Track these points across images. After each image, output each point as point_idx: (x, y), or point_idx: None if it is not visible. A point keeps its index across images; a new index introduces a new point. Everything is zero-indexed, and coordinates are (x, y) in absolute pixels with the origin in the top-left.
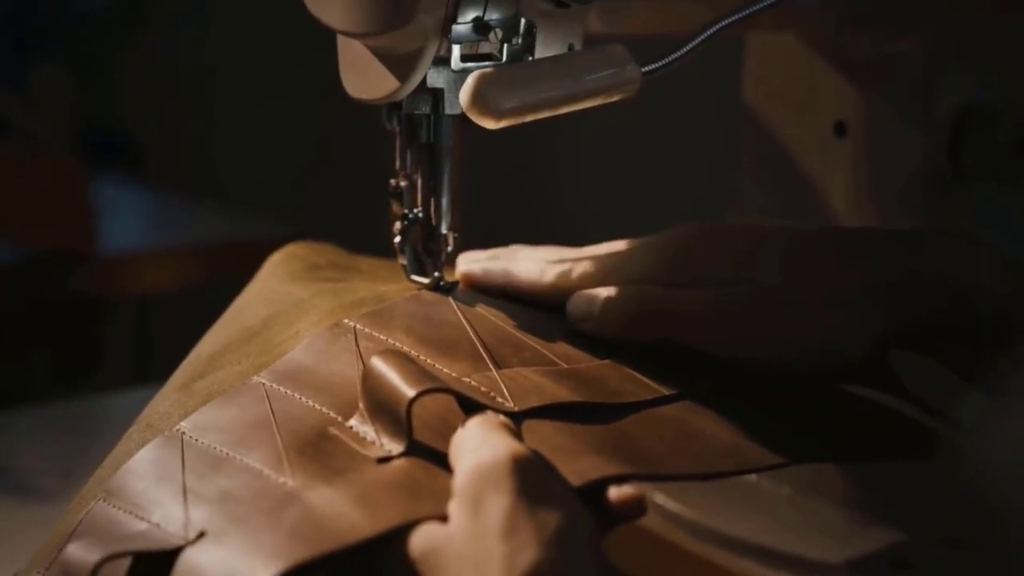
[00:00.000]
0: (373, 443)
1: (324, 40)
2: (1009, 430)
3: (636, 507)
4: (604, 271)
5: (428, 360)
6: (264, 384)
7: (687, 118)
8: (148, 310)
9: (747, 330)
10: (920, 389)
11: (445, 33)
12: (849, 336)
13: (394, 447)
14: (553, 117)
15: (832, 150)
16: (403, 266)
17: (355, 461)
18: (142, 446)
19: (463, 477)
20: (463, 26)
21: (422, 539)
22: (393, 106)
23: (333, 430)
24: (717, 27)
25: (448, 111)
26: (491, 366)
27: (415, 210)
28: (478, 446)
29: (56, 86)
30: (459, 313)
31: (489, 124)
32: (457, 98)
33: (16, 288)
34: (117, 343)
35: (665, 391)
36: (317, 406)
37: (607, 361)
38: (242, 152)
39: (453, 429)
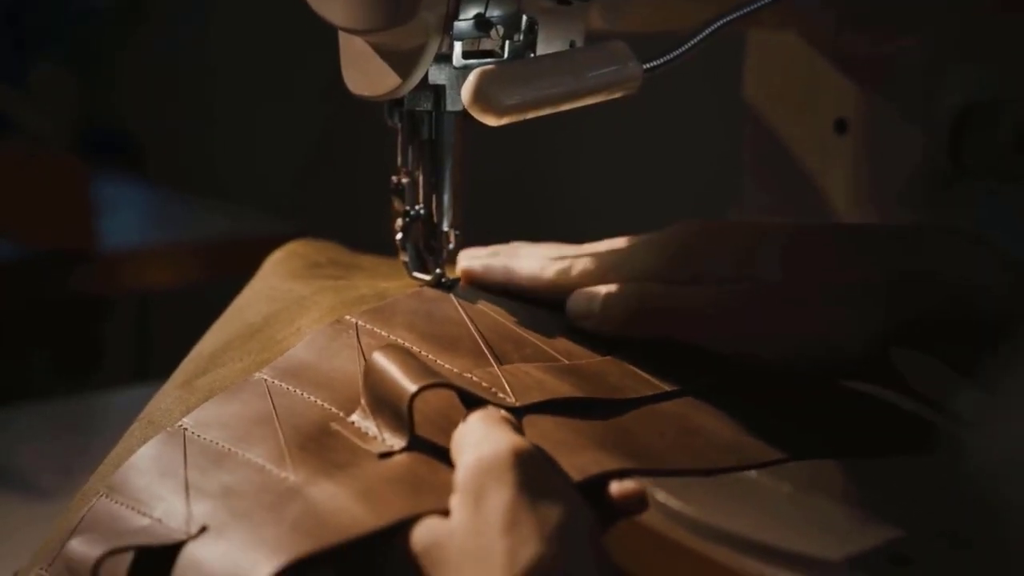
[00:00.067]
0: (375, 438)
1: (324, 38)
2: (1008, 427)
3: (637, 502)
4: (604, 268)
5: (429, 356)
6: (266, 380)
7: (688, 116)
8: (148, 308)
9: (748, 327)
10: (921, 386)
11: (447, 30)
12: (849, 333)
13: (396, 442)
14: (554, 114)
15: (833, 148)
16: (405, 263)
17: (357, 456)
18: (144, 443)
19: (465, 471)
20: (465, 23)
21: (424, 533)
22: (395, 103)
23: (335, 425)
24: (718, 24)
25: (450, 108)
26: (492, 362)
27: (416, 207)
28: (480, 440)
29: (57, 85)
30: (460, 309)
31: (491, 121)
32: (459, 95)
33: (16, 286)
34: (117, 341)
35: (666, 387)
36: (319, 402)
37: (608, 357)
38: (242, 150)
39: (454, 424)
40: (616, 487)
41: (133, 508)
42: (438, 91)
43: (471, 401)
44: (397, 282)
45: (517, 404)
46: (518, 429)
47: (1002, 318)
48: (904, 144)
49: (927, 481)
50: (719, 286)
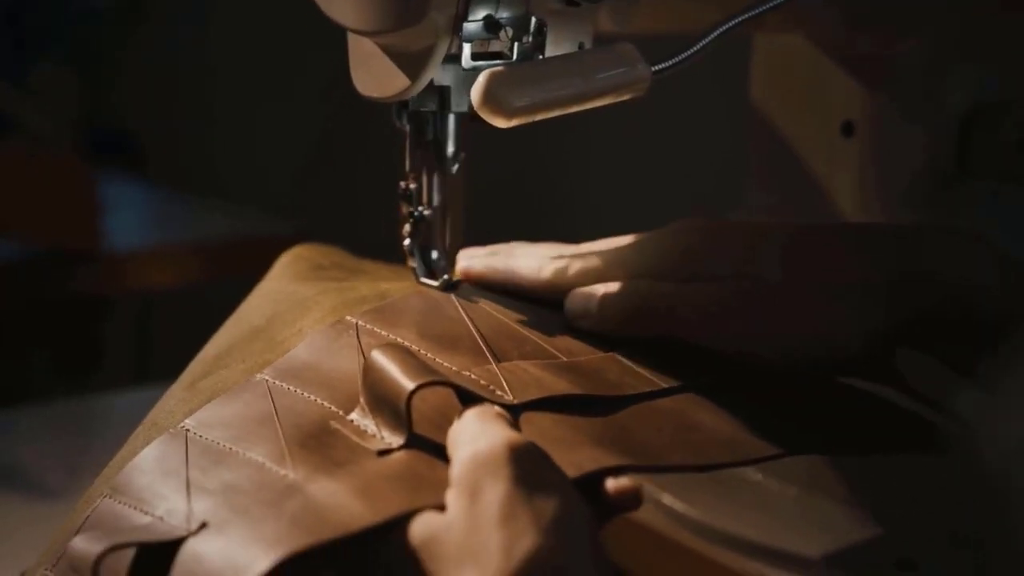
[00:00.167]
0: (374, 436)
1: (325, 39)
2: (1009, 427)
3: (632, 499)
4: (603, 267)
5: (429, 355)
6: (267, 381)
7: (693, 117)
8: (149, 308)
9: (747, 326)
10: (921, 386)
11: (456, 31)
12: (848, 332)
13: (394, 440)
14: (559, 116)
15: (839, 150)
16: (413, 269)
17: (356, 454)
18: (147, 445)
19: (460, 466)
20: (474, 24)
21: (421, 527)
22: (403, 104)
23: (334, 424)
24: (727, 26)
25: (455, 109)
26: (491, 360)
27: (421, 208)
28: (475, 436)
29: (58, 85)
30: (460, 309)
31: (500, 123)
32: (467, 96)
33: (17, 286)
34: (117, 341)
35: (664, 384)
36: (319, 401)
37: (607, 354)
38: (243, 150)
39: (452, 422)
40: (612, 484)
41: (136, 507)
42: (443, 92)
43: (468, 399)
44: (398, 283)
45: (515, 401)
46: (513, 425)
47: (1002, 318)
48: (911, 145)
49: (929, 482)
50: (718, 285)
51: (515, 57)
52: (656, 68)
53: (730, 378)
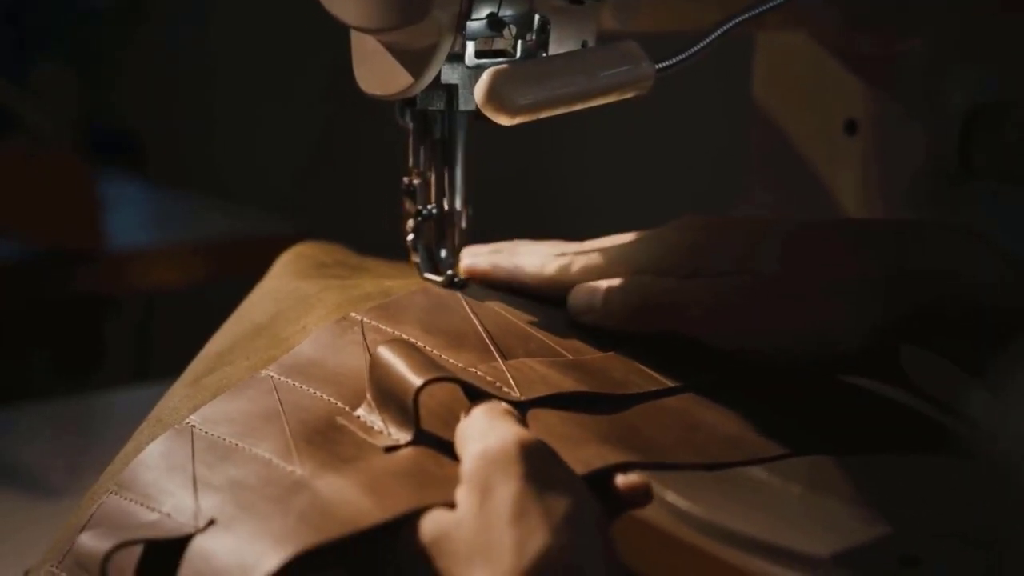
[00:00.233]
0: (381, 432)
1: (326, 38)
2: (1019, 425)
3: (642, 494)
4: (606, 263)
5: (435, 351)
6: (272, 377)
7: (696, 115)
8: (150, 308)
9: (748, 321)
10: (927, 384)
11: (459, 29)
12: (847, 328)
13: (401, 436)
14: (562, 114)
15: (842, 148)
16: (416, 264)
17: (363, 450)
18: (152, 440)
19: (471, 463)
20: (477, 22)
21: (431, 525)
22: (406, 102)
23: (341, 420)
24: (731, 24)
25: (462, 107)
26: (497, 357)
27: (429, 207)
28: (484, 433)
29: (58, 84)
30: (466, 306)
31: (504, 120)
32: (471, 94)
33: (17, 285)
34: (118, 340)
35: (670, 383)
36: (325, 397)
37: (612, 353)
38: (245, 150)
39: (459, 418)
40: (622, 480)
41: (142, 504)
42: (451, 90)
43: (476, 395)
44: (402, 280)
45: (521, 398)
46: (521, 422)
47: (1002, 315)
48: (914, 144)
49: (935, 481)
50: (720, 280)
51: (519, 55)
52: (660, 66)
53: (735, 376)
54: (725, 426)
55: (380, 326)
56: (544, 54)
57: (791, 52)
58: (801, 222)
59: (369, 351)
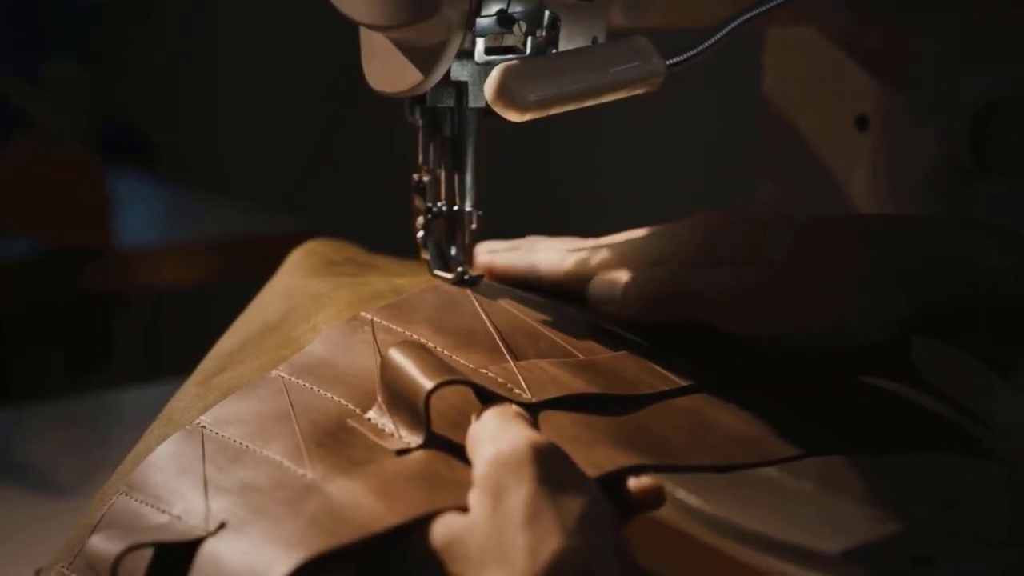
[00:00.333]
0: (392, 435)
1: (336, 34)
2: None
3: (655, 497)
4: (624, 256)
5: (445, 352)
6: (283, 377)
7: (706, 111)
8: (160, 305)
9: (768, 308)
10: (946, 382)
11: (469, 26)
12: (862, 319)
13: (413, 439)
14: (572, 110)
15: (853, 144)
16: (426, 261)
17: (374, 453)
18: (163, 441)
19: (483, 467)
20: (487, 19)
21: (443, 529)
22: (416, 99)
23: (352, 422)
24: (741, 19)
25: (472, 104)
26: (508, 357)
27: (439, 204)
28: (496, 436)
29: (69, 82)
30: (476, 304)
31: (514, 117)
32: (481, 91)
33: (28, 283)
34: (128, 338)
35: (682, 382)
36: (336, 398)
37: (623, 352)
38: (254, 148)
39: (471, 421)
40: (634, 482)
41: (152, 505)
42: (461, 87)
43: (487, 397)
44: (413, 278)
45: (532, 400)
46: (533, 424)
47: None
48: (925, 141)
49: (948, 480)
50: (738, 269)
51: (528, 51)
52: (671, 62)
53: (747, 375)
54: (737, 426)
55: (391, 326)
56: (554, 50)
57: (802, 48)
58: (813, 216)
59: (380, 351)
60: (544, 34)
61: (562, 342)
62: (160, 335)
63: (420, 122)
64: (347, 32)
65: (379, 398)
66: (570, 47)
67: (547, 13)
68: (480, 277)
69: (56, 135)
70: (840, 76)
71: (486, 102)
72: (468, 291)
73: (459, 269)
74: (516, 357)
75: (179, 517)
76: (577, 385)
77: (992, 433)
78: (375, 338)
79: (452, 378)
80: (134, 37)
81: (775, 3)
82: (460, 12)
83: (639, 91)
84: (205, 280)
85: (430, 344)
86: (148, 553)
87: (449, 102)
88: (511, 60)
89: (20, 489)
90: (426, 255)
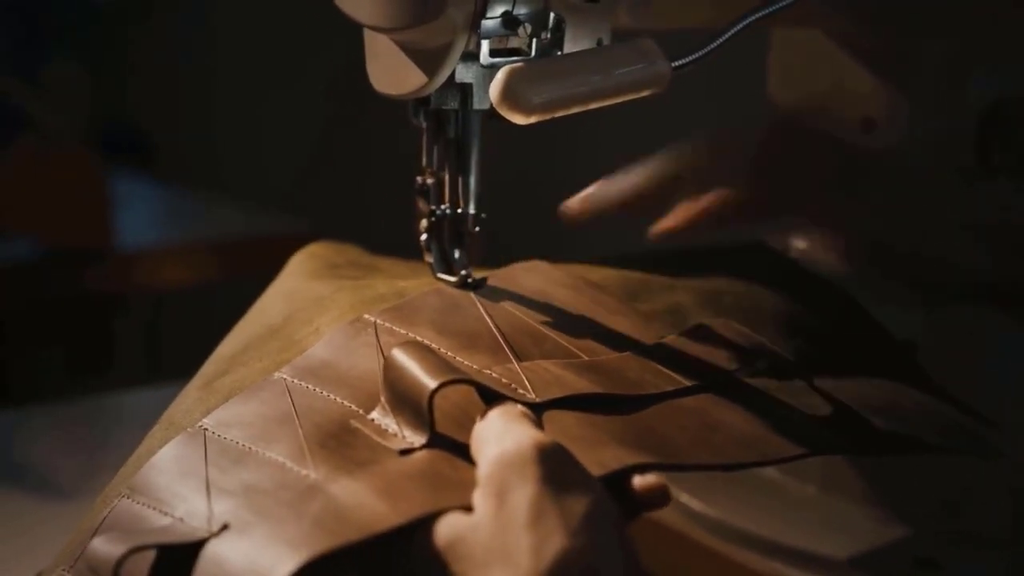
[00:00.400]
0: (395, 435)
1: (338, 35)
2: None
3: (660, 495)
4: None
5: (449, 353)
6: (285, 379)
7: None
8: (161, 306)
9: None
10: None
11: (474, 28)
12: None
13: (416, 439)
14: (577, 112)
15: (859, 146)
16: (430, 264)
17: (377, 453)
18: (165, 444)
19: (487, 466)
20: (492, 21)
21: (447, 529)
22: (420, 102)
23: (355, 423)
24: (747, 21)
25: (476, 106)
26: (512, 358)
27: (443, 207)
28: (501, 435)
29: (70, 82)
30: (480, 307)
31: (519, 119)
32: (486, 93)
33: (29, 284)
34: (129, 339)
35: (686, 382)
36: (339, 399)
37: (628, 353)
38: (255, 149)
39: (474, 420)
40: (639, 481)
41: (155, 508)
42: (465, 90)
43: (491, 397)
44: (415, 281)
45: (537, 400)
46: (537, 424)
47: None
48: (930, 143)
49: (951, 481)
50: None
51: (534, 54)
52: (676, 64)
53: (750, 376)
54: (741, 426)
55: (393, 328)
56: (559, 52)
57: (807, 49)
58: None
59: (382, 353)
60: (549, 36)
61: (566, 343)
62: (160, 335)
63: (424, 124)
64: (348, 32)
65: (382, 398)
66: (575, 49)
67: (552, 15)
68: (483, 280)
69: (56, 135)
70: (846, 77)
71: (491, 104)
72: (471, 294)
73: (463, 272)
74: (520, 358)
75: (182, 519)
76: (581, 385)
77: (996, 433)
78: (378, 340)
79: (456, 377)
80: (134, 37)
81: (780, 5)
82: (465, 14)
83: (645, 93)
84: (205, 281)
85: (433, 345)
86: (150, 555)
87: (453, 104)
88: (516, 62)
89: (20, 491)
90: (429, 258)
